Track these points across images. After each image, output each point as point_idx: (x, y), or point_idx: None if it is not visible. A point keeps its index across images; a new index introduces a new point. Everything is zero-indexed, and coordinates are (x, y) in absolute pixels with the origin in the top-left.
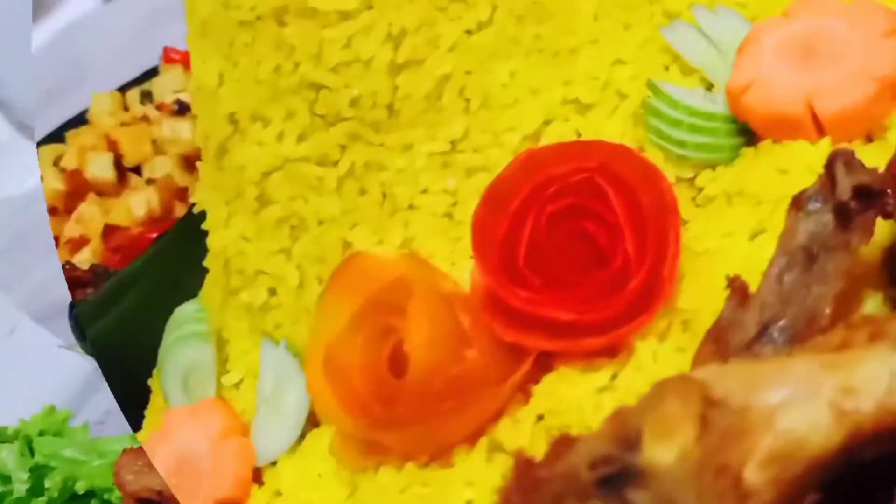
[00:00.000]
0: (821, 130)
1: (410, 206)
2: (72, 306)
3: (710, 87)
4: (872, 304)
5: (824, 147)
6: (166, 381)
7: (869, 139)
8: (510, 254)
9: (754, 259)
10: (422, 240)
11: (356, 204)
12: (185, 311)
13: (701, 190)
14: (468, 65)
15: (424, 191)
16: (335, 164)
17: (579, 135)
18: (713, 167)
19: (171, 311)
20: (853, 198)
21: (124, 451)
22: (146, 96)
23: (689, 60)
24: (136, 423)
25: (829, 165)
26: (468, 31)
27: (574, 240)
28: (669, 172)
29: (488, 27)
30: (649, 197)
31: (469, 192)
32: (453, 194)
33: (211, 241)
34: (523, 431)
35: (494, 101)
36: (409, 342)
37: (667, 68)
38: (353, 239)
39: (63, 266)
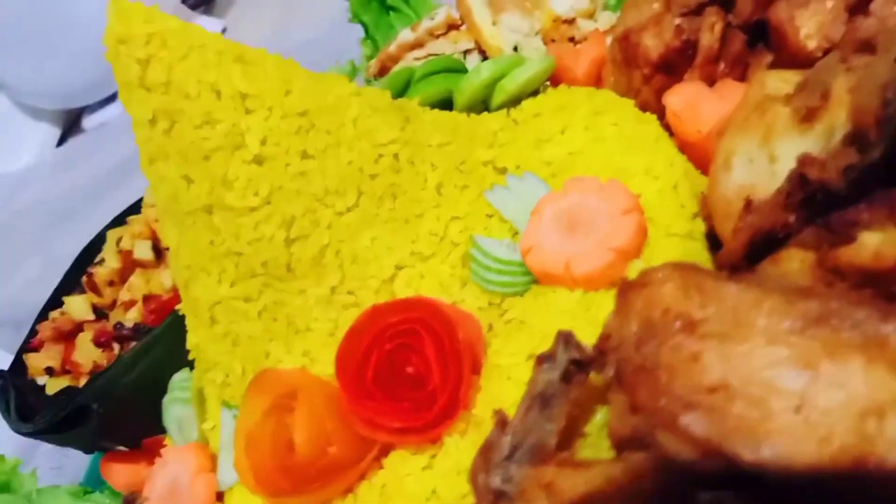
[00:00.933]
0: (576, 284)
1: (307, 329)
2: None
3: (516, 234)
4: (602, 414)
5: (577, 295)
6: (168, 425)
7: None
8: (361, 377)
9: (526, 378)
10: (315, 352)
11: (271, 327)
12: (177, 379)
13: (504, 313)
14: (341, 236)
15: (315, 319)
16: (255, 301)
17: (423, 276)
18: (513, 296)
19: (175, 370)
20: (570, 365)
21: None
22: None
23: (503, 216)
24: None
25: (556, 341)
26: (339, 213)
27: (403, 369)
28: (484, 299)
29: (356, 208)
30: (451, 342)
31: (345, 321)
32: (335, 322)
33: (188, 337)
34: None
35: (361, 258)
36: (295, 438)
37: (489, 216)
38: (270, 349)
39: (115, 325)
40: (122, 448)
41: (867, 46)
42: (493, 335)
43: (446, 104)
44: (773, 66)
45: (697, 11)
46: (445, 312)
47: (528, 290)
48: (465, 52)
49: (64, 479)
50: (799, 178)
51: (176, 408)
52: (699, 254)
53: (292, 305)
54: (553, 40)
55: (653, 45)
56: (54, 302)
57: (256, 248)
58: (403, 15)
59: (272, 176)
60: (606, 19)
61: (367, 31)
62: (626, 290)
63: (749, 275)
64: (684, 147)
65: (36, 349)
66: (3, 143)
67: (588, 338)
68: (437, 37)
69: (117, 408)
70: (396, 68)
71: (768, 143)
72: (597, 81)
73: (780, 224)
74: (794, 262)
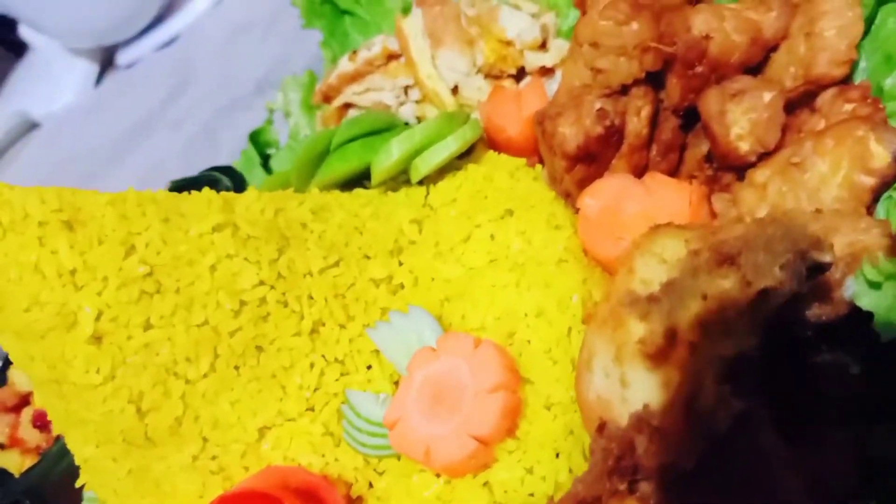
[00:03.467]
0: (438, 470)
1: (175, 490)
2: None
3: (398, 381)
4: None
5: (440, 486)
6: None
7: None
8: None
9: None
10: None
11: (140, 486)
12: (87, 496)
13: (382, 474)
14: (196, 405)
15: (182, 482)
16: (121, 461)
17: (291, 438)
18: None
19: None
20: None
21: None
22: None
23: (385, 357)
24: None
25: None
26: (191, 382)
27: None
28: (359, 458)
29: (212, 373)
30: None
31: (212, 485)
32: (202, 485)
33: None
34: None
35: (222, 423)
36: None
37: (369, 367)
38: None
39: None
40: None
41: (729, 259)
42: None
43: (365, 174)
44: (709, 158)
45: (623, 91)
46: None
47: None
48: (406, 88)
49: None
50: (615, 460)
51: None
52: (580, 429)
53: (156, 470)
54: (498, 76)
55: (570, 133)
56: (2, 377)
57: (109, 420)
58: (358, 19)
59: (112, 352)
60: (558, 49)
61: (324, 36)
62: None
63: None
64: (596, 258)
65: None
66: (45, 83)
67: None
68: (377, 67)
69: (49, 500)
70: (326, 128)
71: (620, 364)
72: (534, 141)
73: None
74: None
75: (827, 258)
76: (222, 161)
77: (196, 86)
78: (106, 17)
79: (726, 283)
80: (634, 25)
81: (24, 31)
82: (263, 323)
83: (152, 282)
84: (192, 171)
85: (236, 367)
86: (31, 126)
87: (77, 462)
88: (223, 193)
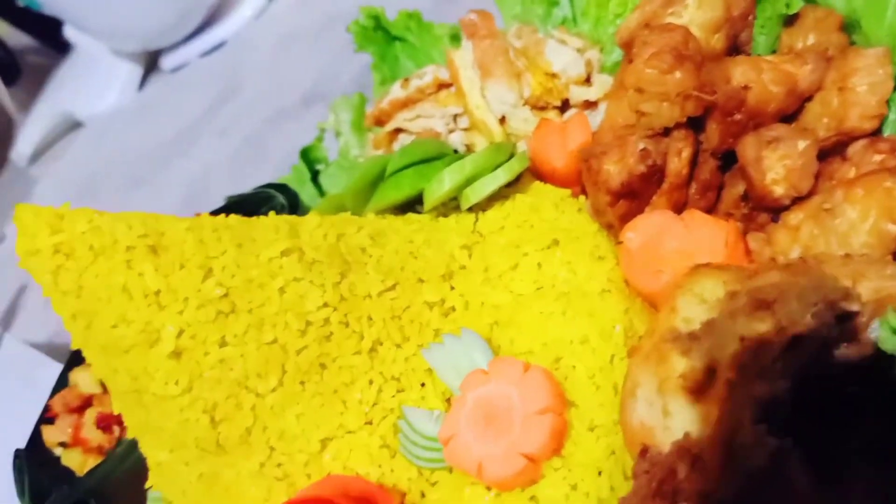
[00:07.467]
0: (489, 485)
1: (242, 495)
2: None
3: (449, 398)
4: None
5: (491, 497)
6: None
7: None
8: None
9: None
10: None
11: (210, 490)
12: (151, 496)
13: (434, 484)
14: (265, 416)
15: (249, 488)
16: (193, 466)
17: (351, 450)
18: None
19: None
20: None
21: None
22: None
23: (438, 376)
24: None
25: None
26: (261, 396)
27: None
28: (413, 470)
29: (280, 388)
30: None
31: (277, 491)
32: (268, 490)
33: None
34: None
35: (287, 435)
36: None
37: (423, 385)
38: None
39: None
40: None
41: (765, 305)
42: None
43: (417, 199)
44: (745, 198)
45: (665, 133)
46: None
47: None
48: (455, 116)
49: None
50: (658, 483)
51: None
52: (621, 450)
53: (226, 475)
54: (543, 107)
55: (615, 171)
56: (64, 378)
57: (185, 428)
58: (408, 44)
59: (191, 367)
60: (602, 83)
61: (375, 60)
62: None
63: None
64: (636, 290)
65: (52, 419)
66: (89, 84)
67: None
68: (428, 95)
69: (113, 498)
70: (376, 150)
71: (663, 396)
72: (578, 173)
73: None
74: None
75: (854, 307)
76: (269, 171)
77: (242, 94)
78: (153, 21)
79: (762, 327)
80: (678, 74)
81: (70, 32)
82: (327, 342)
83: (227, 302)
84: (240, 179)
85: (302, 383)
86: (75, 125)
87: (149, 465)
88: (287, 218)
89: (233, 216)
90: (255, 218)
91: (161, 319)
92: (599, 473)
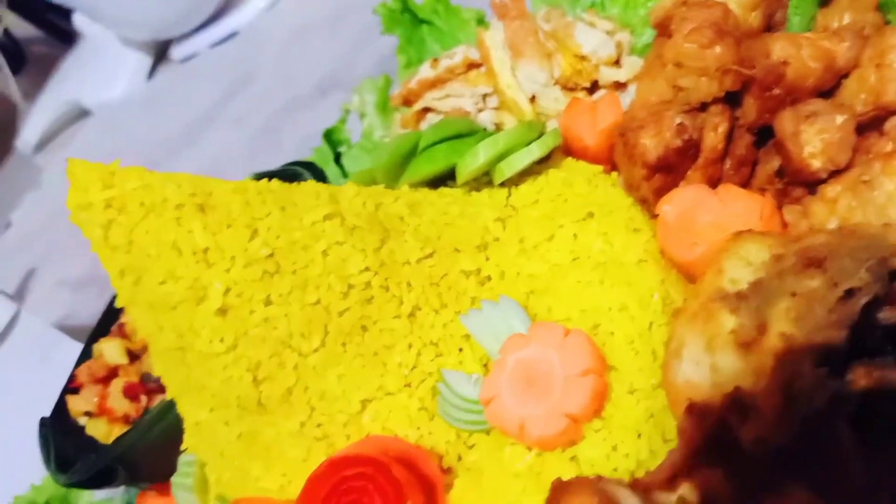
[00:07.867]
0: (531, 444)
1: (282, 454)
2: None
3: (487, 363)
4: None
5: (532, 457)
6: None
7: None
8: None
9: None
10: (291, 474)
11: (250, 449)
12: (183, 461)
13: (471, 448)
14: (307, 376)
15: (289, 447)
16: (234, 425)
17: (390, 411)
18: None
19: None
20: None
21: None
22: None
23: (478, 342)
24: None
25: None
26: (304, 355)
27: None
28: (451, 432)
29: (322, 348)
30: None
31: (316, 450)
32: (307, 449)
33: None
34: None
35: (328, 395)
36: None
37: (466, 337)
38: (251, 468)
39: (142, 377)
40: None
41: (816, 263)
42: (455, 475)
43: (449, 174)
44: (780, 173)
45: (701, 108)
46: (394, 474)
47: (493, 428)
48: (485, 96)
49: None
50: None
51: (181, 493)
52: (660, 413)
53: (266, 434)
54: (573, 88)
55: (651, 144)
56: (88, 350)
57: (227, 386)
58: (435, 28)
59: (236, 325)
60: (632, 65)
61: (401, 42)
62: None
63: None
64: (672, 261)
65: (77, 389)
66: (97, 73)
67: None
68: (458, 75)
69: (141, 466)
70: (404, 129)
71: (712, 353)
72: (608, 151)
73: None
74: None
75: None
76: (284, 160)
77: (255, 84)
78: (164, 11)
79: (814, 283)
80: (717, 49)
81: (78, 20)
82: (368, 305)
83: (273, 263)
84: (255, 168)
85: (343, 344)
86: (82, 114)
87: (186, 427)
88: (326, 186)
89: (275, 181)
90: (295, 184)
91: (209, 277)
92: (639, 436)
